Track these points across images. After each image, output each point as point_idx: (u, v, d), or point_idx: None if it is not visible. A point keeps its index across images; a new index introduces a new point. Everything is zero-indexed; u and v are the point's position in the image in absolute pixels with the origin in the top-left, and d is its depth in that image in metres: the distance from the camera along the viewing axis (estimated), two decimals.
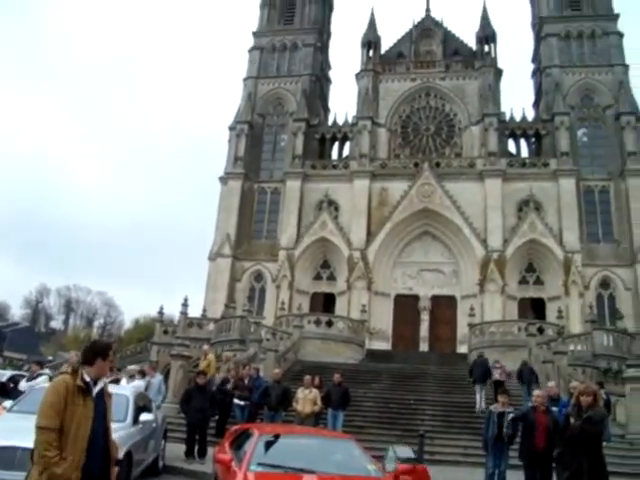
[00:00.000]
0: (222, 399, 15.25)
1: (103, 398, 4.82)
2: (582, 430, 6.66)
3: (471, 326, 32.79)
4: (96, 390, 4.73)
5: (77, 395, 4.54)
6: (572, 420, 6.97)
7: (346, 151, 49.62)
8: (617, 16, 48.29)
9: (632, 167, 42.24)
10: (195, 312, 38.13)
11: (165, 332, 36.27)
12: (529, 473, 9.00)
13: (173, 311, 47.27)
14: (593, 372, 23.31)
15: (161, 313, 37.80)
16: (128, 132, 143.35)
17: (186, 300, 35.38)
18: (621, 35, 47.47)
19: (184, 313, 35.00)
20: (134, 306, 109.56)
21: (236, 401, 15.46)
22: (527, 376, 19.41)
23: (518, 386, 19.75)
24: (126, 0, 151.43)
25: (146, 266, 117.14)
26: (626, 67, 46.21)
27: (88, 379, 4.66)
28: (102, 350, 4.81)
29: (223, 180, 47.61)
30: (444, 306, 41.76)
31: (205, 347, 18.77)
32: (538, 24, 50.98)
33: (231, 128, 49.18)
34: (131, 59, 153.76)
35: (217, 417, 15.19)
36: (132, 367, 15.84)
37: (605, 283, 41.34)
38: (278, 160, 48.55)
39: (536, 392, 9.89)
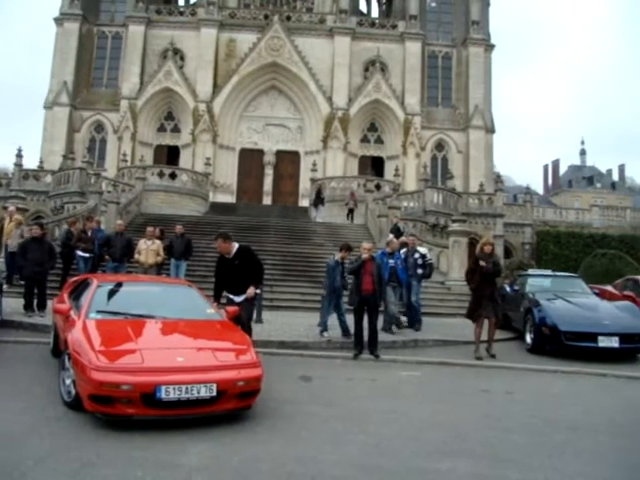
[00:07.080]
0: (64, 252, 14.94)
1: None
2: (494, 269, 10.10)
3: (313, 181, 33.78)
4: None
5: None
6: (482, 263, 9.97)
7: None
8: None
9: (474, 36, 43.88)
10: (32, 164, 36.25)
11: None
12: (358, 314, 9.94)
13: (7, 163, 44.37)
14: (423, 226, 25.21)
15: None
16: None
17: (20, 150, 33.21)
18: None
19: (19, 165, 32.93)
20: None
21: (79, 253, 15.18)
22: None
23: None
24: None
25: None
26: None
27: None
28: None
29: (58, 21, 43.17)
30: (288, 161, 42.52)
31: (11, 208, 17.32)
32: None
33: None
34: None
35: (60, 270, 14.89)
36: None
37: (440, 145, 43.76)
38: (119, 2, 44.75)
39: (363, 244, 10.61)
